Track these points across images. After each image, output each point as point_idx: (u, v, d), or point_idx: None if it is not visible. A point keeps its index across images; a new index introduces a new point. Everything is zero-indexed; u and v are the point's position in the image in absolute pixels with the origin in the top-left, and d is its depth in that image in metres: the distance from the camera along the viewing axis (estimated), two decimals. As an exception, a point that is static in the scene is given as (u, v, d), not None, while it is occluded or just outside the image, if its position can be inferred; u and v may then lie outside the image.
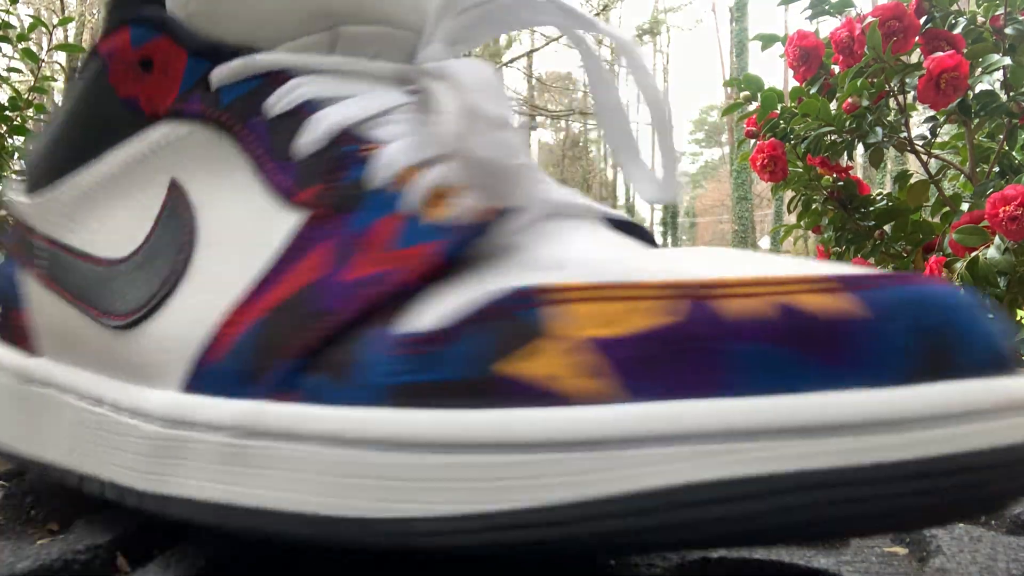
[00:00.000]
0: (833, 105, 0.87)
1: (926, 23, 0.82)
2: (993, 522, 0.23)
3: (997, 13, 0.80)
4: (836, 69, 0.88)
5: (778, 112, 0.91)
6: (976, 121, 0.84)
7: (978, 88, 0.82)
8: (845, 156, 0.90)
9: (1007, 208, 0.64)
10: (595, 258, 0.18)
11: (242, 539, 0.18)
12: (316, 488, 0.16)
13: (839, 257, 0.91)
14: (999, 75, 0.79)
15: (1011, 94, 0.79)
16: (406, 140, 0.19)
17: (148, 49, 0.21)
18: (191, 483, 0.17)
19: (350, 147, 0.19)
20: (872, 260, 0.90)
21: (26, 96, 1.14)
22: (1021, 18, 0.78)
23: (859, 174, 1.02)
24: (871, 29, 0.78)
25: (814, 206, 0.95)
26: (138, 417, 0.19)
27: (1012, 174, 0.83)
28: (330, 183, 0.19)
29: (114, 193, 0.22)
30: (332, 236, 0.18)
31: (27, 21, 1.15)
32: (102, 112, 0.22)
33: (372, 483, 0.15)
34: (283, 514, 0.16)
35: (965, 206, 0.77)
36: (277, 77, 0.20)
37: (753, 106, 0.95)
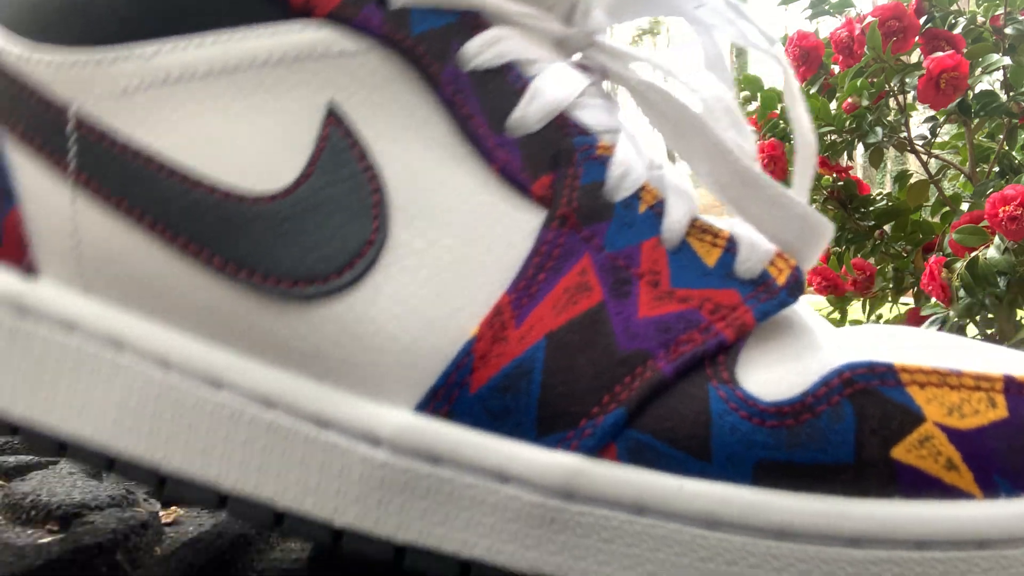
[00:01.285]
0: (833, 105, 0.87)
1: (926, 23, 0.82)
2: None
3: (997, 13, 0.80)
4: (836, 69, 0.88)
5: (778, 112, 0.91)
6: (976, 121, 0.84)
7: (978, 88, 0.82)
8: (845, 156, 0.90)
9: (1007, 208, 0.64)
10: (878, 335, 0.17)
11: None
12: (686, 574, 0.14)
13: (839, 257, 0.90)
14: (999, 75, 0.79)
15: (1011, 94, 0.79)
16: (628, 143, 0.18)
17: None
18: (463, 537, 0.15)
19: (578, 139, 0.17)
20: (872, 260, 0.89)
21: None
22: (1021, 18, 0.78)
23: (859, 174, 1.02)
24: (871, 29, 0.78)
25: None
26: (348, 435, 0.15)
27: (1012, 174, 0.83)
28: (563, 178, 0.17)
29: (227, 94, 0.16)
30: (589, 250, 0.16)
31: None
32: None
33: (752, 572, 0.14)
34: None
35: (965, 206, 0.77)
36: (474, 19, 0.17)
37: (753, 106, 0.95)
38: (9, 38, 0.17)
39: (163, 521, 0.23)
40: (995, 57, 0.77)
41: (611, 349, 0.15)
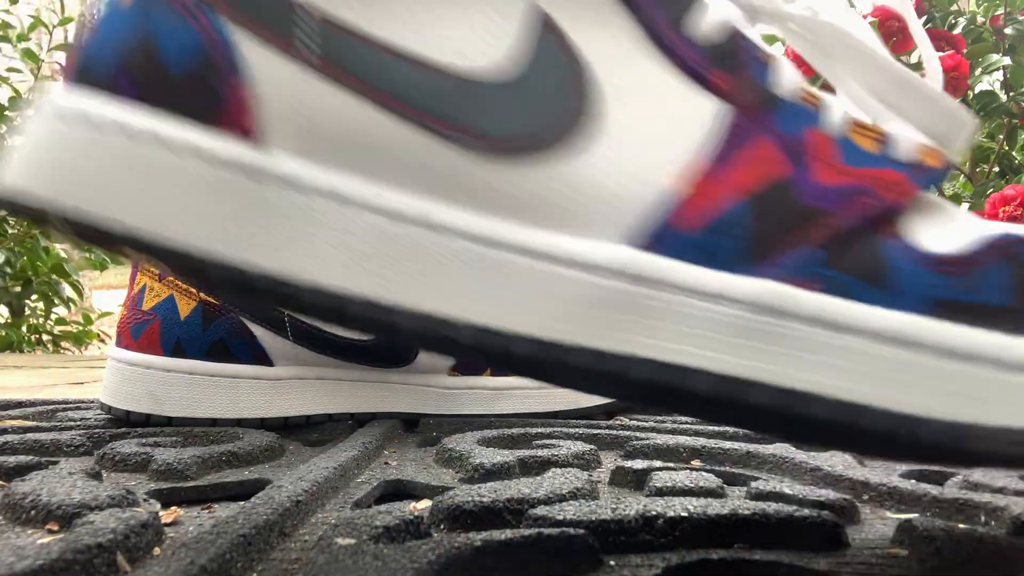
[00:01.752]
0: (833, 105, 0.87)
1: (926, 23, 0.82)
2: (993, 523, 0.23)
3: (997, 13, 0.80)
4: (836, 69, 0.88)
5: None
6: (976, 121, 0.84)
7: (978, 88, 0.82)
8: (845, 156, 0.90)
9: (1007, 208, 0.65)
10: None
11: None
12: (866, 380, 0.17)
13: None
14: (999, 75, 0.79)
15: (1011, 94, 0.80)
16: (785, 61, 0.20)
17: None
18: (668, 346, 0.18)
19: (746, 43, 0.20)
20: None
21: (26, 96, 1.14)
22: (1021, 18, 0.78)
23: (859, 174, 1.02)
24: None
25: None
26: (564, 264, 0.18)
27: (1012, 174, 0.83)
28: (738, 76, 0.19)
29: None
30: (765, 133, 0.19)
31: (27, 21, 1.15)
32: None
33: (931, 384, 0.17)
34: (824, 399, 0.17)
35: (965, 206, 0.77)
36: None
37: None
38: None
39: (163, 521, 0.23)
40: (995, 57, 0.77)
41: (797, 205, 0.18)
